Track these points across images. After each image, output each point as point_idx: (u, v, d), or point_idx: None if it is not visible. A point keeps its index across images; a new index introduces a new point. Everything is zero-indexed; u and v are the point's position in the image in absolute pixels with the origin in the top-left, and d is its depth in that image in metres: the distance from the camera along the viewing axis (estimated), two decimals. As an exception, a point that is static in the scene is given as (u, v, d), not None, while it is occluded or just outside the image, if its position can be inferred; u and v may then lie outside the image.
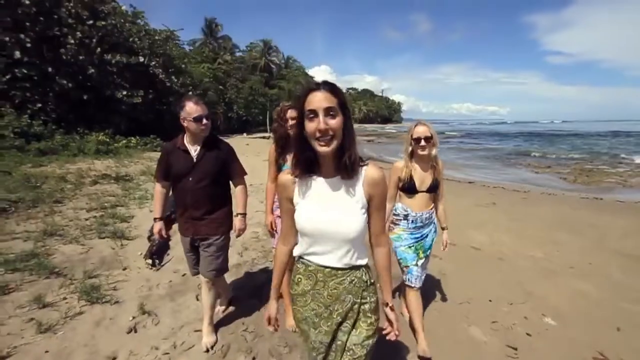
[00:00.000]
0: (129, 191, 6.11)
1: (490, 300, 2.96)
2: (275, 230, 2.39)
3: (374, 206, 1.17)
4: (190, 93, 19.20)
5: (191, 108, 1.99)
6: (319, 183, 1.15)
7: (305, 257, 1.22)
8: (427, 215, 2.23)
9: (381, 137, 37.50)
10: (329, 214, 1.12)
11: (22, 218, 4.30)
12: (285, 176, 1.20)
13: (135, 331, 2.38)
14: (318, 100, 1.02)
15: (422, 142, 2.07)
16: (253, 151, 14.64)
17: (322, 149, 1.04)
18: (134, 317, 2.52)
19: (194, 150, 2.08)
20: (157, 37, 17.44)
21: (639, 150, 22.29)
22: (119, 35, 14.69)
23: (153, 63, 16.72)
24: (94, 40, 13.28)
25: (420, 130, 2.09)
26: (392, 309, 1.24)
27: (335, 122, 1.02)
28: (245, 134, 33.16)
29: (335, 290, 1.18)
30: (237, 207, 2.30)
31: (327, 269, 1.17)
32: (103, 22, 13.34)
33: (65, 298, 2.71)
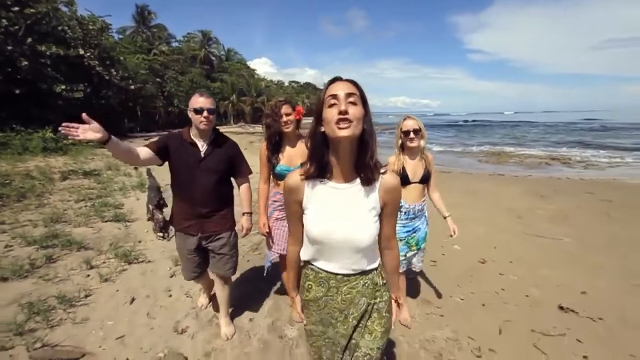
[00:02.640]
0: (106, 184, 6.45)
1: (420, 240, 4.32)
2: (269, 234, 2.34)
3: (387, 213, 1.13)
4: (132, 87, 18.39)
5: (194, 99, 1.95)
6: (331, 189, 1.08)
7: (314, 264, 1.18)
8: (420, 207, 2.34)
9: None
10: (340, 223, 1.07)
11: (16, 210, 4.60)
12: (295, 178, 1.12)
13: (176, 276, 3.20)
14: (339, 87, 0.99)
15: (411, 135, 2.17)
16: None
17: (341, 132, 0.95)
18: (170, 268, 3.33)
19: (201, 145, 2.01)
20: (91, 27, 16.40)
21: (516, 137, 27.43)
22: (47, 24, 13.67)
23: (88, 54, 15.78)
24: (22, 28, 12.28)
25: (409, 124, 2.18)
26: (396, 300, 1.27)
27: (356, 110, 0.97)
28: (188, 129, 32.05)
29: (349, 295, 1.16)
30: (242, 206, 2.26)
31: (339, 276, 1.15)
32: (32, 10, 12.37)
33: (105, 262, 3.39)
